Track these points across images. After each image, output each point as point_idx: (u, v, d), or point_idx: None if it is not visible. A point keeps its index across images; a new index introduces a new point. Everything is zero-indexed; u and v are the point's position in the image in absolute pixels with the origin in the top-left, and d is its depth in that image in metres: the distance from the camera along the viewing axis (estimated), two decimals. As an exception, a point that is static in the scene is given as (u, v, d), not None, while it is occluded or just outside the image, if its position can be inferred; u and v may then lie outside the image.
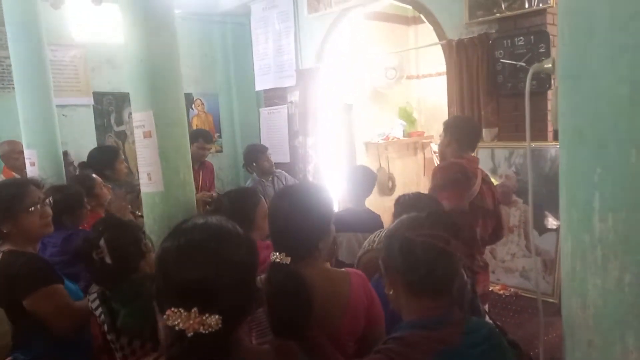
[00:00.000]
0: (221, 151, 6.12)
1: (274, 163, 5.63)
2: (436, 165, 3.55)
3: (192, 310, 0.90)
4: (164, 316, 0.91)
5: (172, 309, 0.91)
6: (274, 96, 5.57)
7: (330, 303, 1.45)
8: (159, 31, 2.26)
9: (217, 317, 0.91)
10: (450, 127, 2.69)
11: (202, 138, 4.34)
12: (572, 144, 0.94)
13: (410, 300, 1.19)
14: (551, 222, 3.40)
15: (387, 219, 2.55)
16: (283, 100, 5.44)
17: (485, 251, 2.78)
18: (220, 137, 6.17)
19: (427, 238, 1.12)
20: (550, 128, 3.50)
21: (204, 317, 0.90)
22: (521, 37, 3.48)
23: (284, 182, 4.23)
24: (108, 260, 1.68)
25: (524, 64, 3.46)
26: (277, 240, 1.51)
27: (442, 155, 2.77)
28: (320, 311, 1.41)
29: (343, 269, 1.62)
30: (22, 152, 3.96)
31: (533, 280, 3.45)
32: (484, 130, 3.69)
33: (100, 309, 1.70)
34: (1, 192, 1.91)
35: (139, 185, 4.64)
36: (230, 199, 2.21)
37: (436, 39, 4.13)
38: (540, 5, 3.35)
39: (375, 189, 5.74)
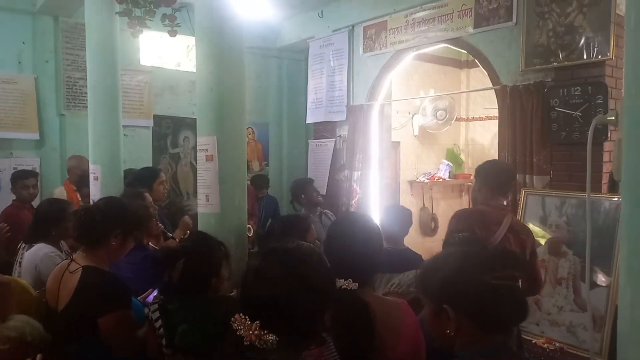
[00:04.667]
0: (267, 179, 6.27)
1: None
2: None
3: (255, 323, 0.96)
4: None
5: (240, 314, 0.97)
6: (323, 129, 5.71)
7: (386, 330, 1.47)
8: (229, 64, 2.41)
9: (274, 337, 0.95)
10: (481, 172, 2.67)
11: None
12: (636, 193, 0.96)
13: (475, 333, 1.16)
14: (600, 278, 3.27)
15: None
16: (332, 134, 5.57)
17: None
18: (267, 165, 6.35)
19: (504, 281, 1.11)
20: (604, 180, 3.42)
21: (262, 333, 0.95)
22: (578, 87, 3.46)
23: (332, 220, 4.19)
24: (175, 279, 1.75)
25: (579, 114, 3.43)
26: (339, 266, 1.45)
27: (473, 200, 2.77)
28: (378, 338, 1.43)
29: (392, 298, 1.63)
30: (85, 170, 4.02)
31: (581, 336, 3.30)
32: (535, 177, 3.64)
33: (160, 322, 1.73)
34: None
35: (186, 207, 4.76)
36: (282, 223, 2.28)
37: (488, 83, 4.16)
38: (599, 57, 3.34)
39: (417, 229, 5.78)
